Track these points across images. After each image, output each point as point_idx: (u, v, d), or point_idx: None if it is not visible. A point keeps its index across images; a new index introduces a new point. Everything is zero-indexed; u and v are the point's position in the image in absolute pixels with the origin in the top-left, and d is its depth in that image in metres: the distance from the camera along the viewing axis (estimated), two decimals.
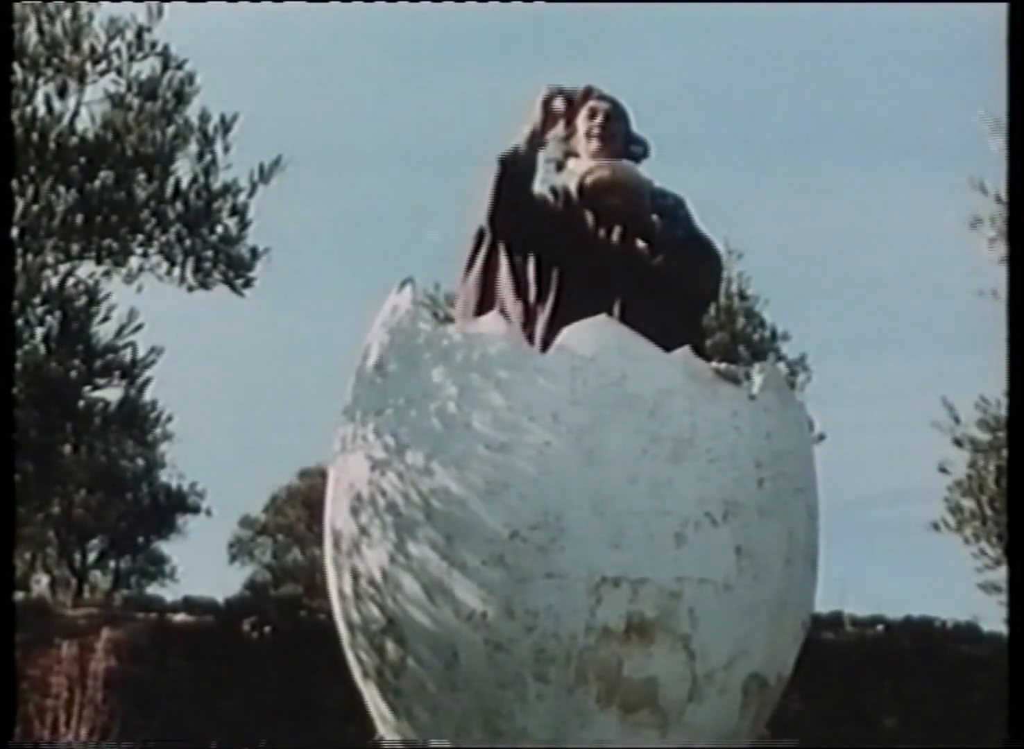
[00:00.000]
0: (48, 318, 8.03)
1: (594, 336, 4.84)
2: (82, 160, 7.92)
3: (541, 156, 5.23)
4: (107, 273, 8.12)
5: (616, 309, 4.98)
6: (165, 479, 20.97)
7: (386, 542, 4.80)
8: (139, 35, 7.95)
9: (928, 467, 13.02)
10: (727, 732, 4.86)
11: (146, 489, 20.81)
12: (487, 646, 4.68)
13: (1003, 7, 5.14)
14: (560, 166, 5.34)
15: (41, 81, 7.97)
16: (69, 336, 8.00)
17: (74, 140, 7.96)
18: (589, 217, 5.21)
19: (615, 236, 5.19)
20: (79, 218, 7.75)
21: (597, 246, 5.18)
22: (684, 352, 4.86)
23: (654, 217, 5.20)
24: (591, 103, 5.34)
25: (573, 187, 5.22)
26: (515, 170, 5.07)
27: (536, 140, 5.12)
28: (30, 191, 7.57)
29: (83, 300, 8.04)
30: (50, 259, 7.94)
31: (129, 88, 8.08)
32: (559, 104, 5.19)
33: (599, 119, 5.31)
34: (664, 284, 5.09)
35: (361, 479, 4.90)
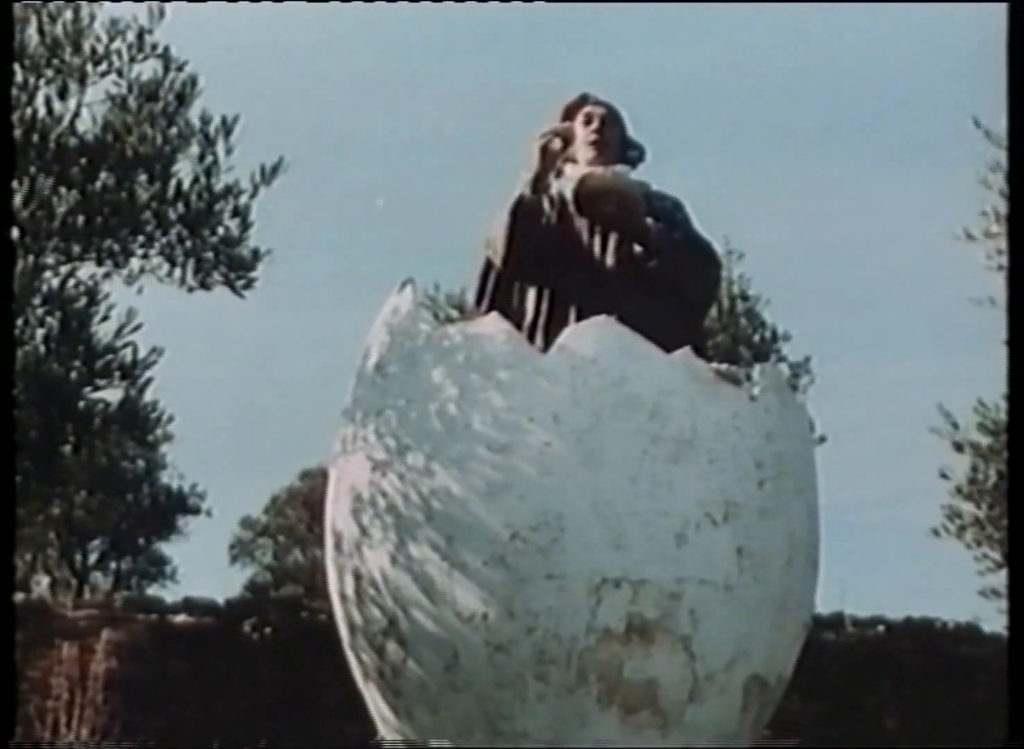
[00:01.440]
0: (48, 319, 8.02)
1: (594, 337, 4.84)
2: (83, 161, 7.92)
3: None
4: (108, 274, 8.12)
5: (616, 315, 4.99)
6: (166, 480, 20.99)
7: (387, 543, 4.80)
8: (140, 36, 7.95)
9: (929, 469, 13.03)
10: (728, 733, 4.86)
11: (147, 490, 20.82)
12: (488, 647, 4.68)
13: (1003, 7, 5.15)
14: (559, 172, 5.36)
15: (42, 82, 7.97)
16: (69, 337, 8.00)
17: (74, 141, 7.96)
18: (585, 225, 5.24)
19: (612, 243, 5.21)
20: (80, 219, 7.75)
21: (594, 254, 5.21)
22: (685, 353, 4.86)
23: (650, 221, 5.22)
24: (586, 109, 5.36)
25: (568, 195, 5.25)
26: (525, 217, 5.15)
27: (539, 185, 5.22)
28: (31, 192, 7.57)
29: (83, 301, 8.03)
30: (50, 260, 7.94)
31: (130, 89, 8.07)
32: (556, 144, 5.27)
33: (595, 125, 5.33)
34: (663, 287, 5.11)
35: (362, 480, 4.90)
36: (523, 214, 5.16)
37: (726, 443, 4.81)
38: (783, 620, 4.93)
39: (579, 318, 4.97)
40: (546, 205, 5.27)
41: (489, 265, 5.27)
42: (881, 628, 15.11)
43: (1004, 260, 10.08)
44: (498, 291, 5.25)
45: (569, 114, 5.40)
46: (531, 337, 5.07)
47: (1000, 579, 12.35)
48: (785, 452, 4.96)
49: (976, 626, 15.13)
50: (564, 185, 5.29)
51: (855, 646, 14.63)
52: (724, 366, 5.03)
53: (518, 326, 5.06)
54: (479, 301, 5.29)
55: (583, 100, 5.38)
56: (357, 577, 4.91)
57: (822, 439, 13.29)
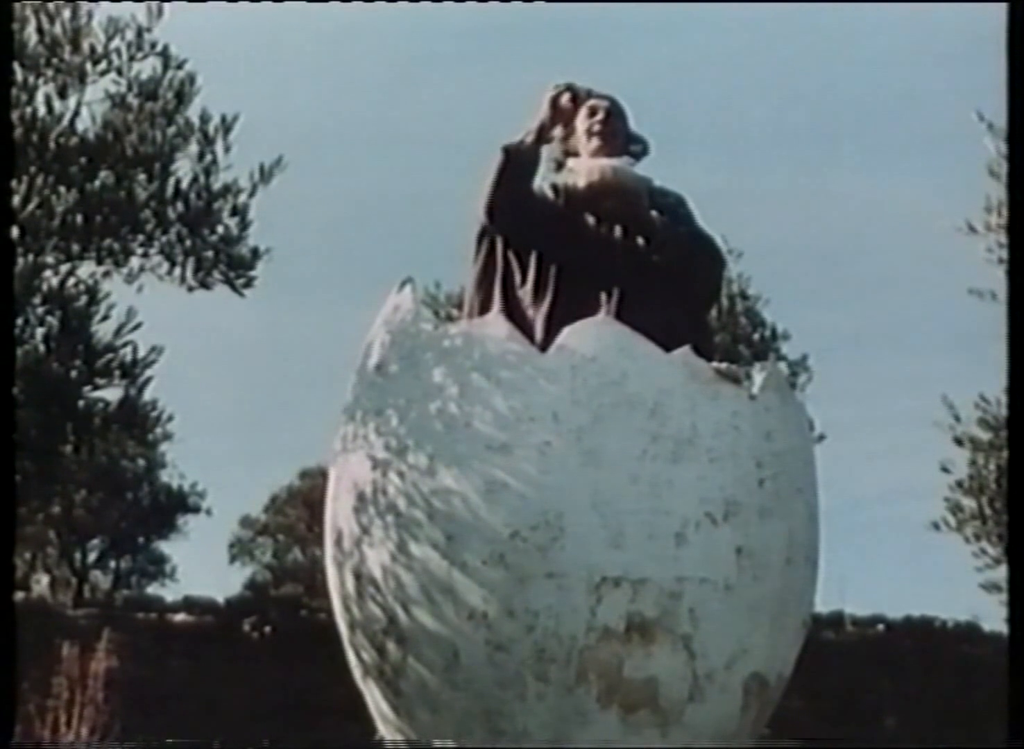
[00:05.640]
0: (48, 318, 8.02)
1: (594, 336, 4.84)
2: (82, 160, 7.92)
3: (544, 153, 5.23)
4: (107, 273, 8.12)
5: (616, 307, 4.97)
6: (165, 479, 21.02)
7: (387, 542, 4.80)
8: (139, 35, 7.96)
9: (928, 466, 13.02)
10: (728, 732, 4.86)
11: (147, 489, 20.84)
12: (488, 646, 4.68)
13: (1003, 7, 5.14)
14: (559, 165, 5.34)
15: (41, 81, 7.97)
16: (69, 336, 8.00)
17: (74, 140, 7.96)
18: (590, 218, 5.21)
19: (616, 236, 5.19)
20: (79, 218, 7.75)
21: (598, 244, 5.18)
22: (684, 352, 4.86)
23: (654, 214, 5.20)
24: (590, 101, 5.33)
25: (571, 188, 5.21)
26: (518, 162, 5.07)
27: (543, 135, 5.14)
28: (31, 191, 7.57)
29: (83, 300, 8.03)
30: (50, 259, 7.94)
31: (129, 88, 8.08)
32: (566, 101, 5.20)
33: (599, 116, 5.30)
34: (666, 282, 5.09)
35: (362, 479, 4.90)
36: (516, 156, 5.02)
37: (726, 442, 4.80)
38: (783, 619, 4.93)
39: (582, 296, 4.93)
40: (550, 194, 5.23)
41: (484, 231, 5.19)
42: (881, 627, 15.13)
43: (1005, 253, 10.07)
44: (491, 257, 5.16)
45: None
46: (529, 314, 5.03)
47: (999, 574, 12.35)
48: (785, 451, 4.95)
49: (976, 625, 15.16)
50: (567, 178, 5.26)
51: (855, 645, 14.65)
52: (724, 365, 5.02)
53: (508, 302, 5.03)
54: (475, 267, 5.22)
55: (586, 94, 5.35)
56: (357, 576, 4.91)
57: (821, 437, 13.31)
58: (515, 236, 5.14)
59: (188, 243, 8.11)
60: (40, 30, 7.93)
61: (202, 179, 8.11)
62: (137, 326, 8.02)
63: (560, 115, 5.19)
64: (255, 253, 8.20)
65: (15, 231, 7.47)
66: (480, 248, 5.19)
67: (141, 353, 8.06)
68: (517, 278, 5.13)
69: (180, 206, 8.08)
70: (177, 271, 8.12)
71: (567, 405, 4.73)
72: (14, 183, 7.31)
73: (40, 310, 7.99)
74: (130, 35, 7.96)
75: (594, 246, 5.16)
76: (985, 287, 10.48)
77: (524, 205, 5.08)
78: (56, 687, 9.20)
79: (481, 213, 5.10)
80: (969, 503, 12.63)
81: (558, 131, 5.25)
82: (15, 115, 7.60)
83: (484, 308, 5.10)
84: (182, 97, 8.08)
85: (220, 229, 8.15)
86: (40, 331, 8.03)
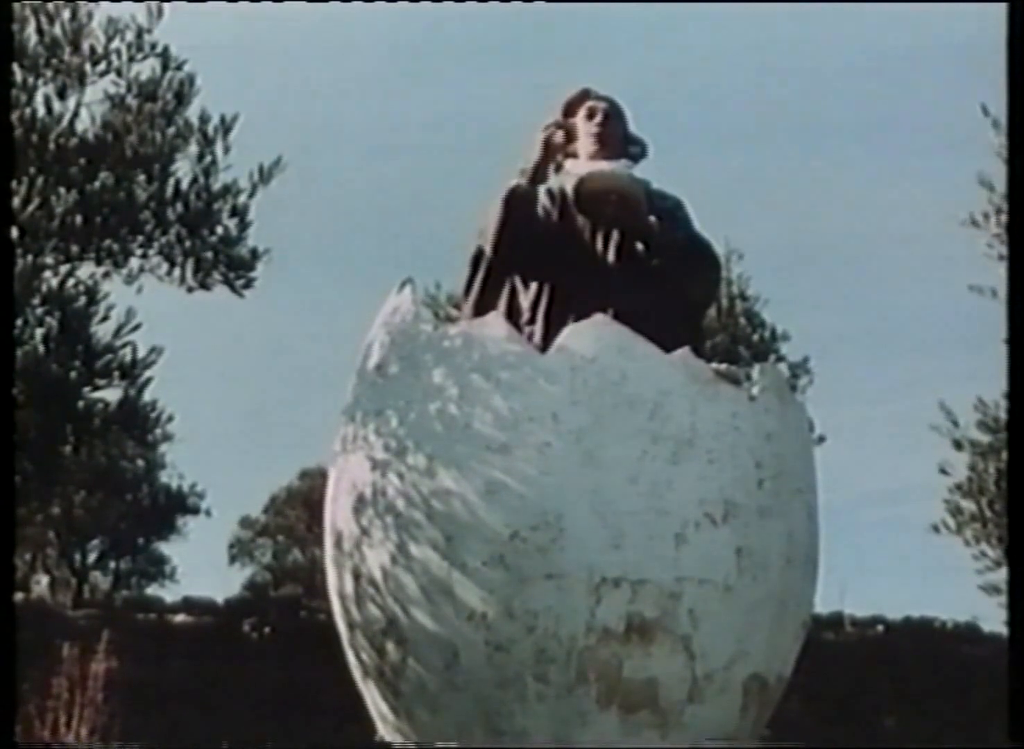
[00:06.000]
0: (48, 319, 8.03)
1: (594, 336, 4.83)
2: (82, 161, 7.93)
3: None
4: (107, 274, 8.13)
5: (614, 311, 4.97)
6: (165, 480, 21.01)
7: (387, 542, 4.80)
8: (139, 36, 7.96)
9: (928, 468, 13.03)
10: (727, 732, 4.85)
11: (146, 490, 20.83)
12: (487, 646, 4.68)
13: (1003, 7, 5.14)
14: (558, 167, 5.34)
15: (41, 82, 7.98)
16: (69, 337, 8.00)
17: (74, 141, 7.96)
18: (586, 223, 5.22)
19: (613, 241, 5.19)
20: (79, 219, 7.75)
21: (595, 251, 5.19)
22: (684, 353, 4.86)
23: (652, 219, 5.20)
24: (589, 103, 5.33)
25: (569, 193, 5.22)
26: (519, 207, 5.12)
27: (538, 176, 5.18)
28: (31, 192, 7.57)
29: (82, 301, 8.04)
30: (50, 260, 7.95)
31: (129, 89, 8.08)
32: (558, 137, 5.24)
33: (598, 119, 5.30)
34: (663, 287, 5.09)
35: (362, 479, 4.90)
36: (516, 203, 5.12)
37: (725, 443, 4.80)
38: (782, 620, 4.93)
39: (578, 313, 4.94)
40: (546, 200, 5.24)
41: (480, 254, 5.23)
42: (880, 628, 15.13)
43: (1005, 249, 10.06)
44: (488, 281, 5.22)
45: (571, 109, 5.36)
46: (528, 329, 5.05)
47: (999, 576, 12.35)
48: (784, 452, 4.95)
49: (975, 626, 15.15)
50: (565, 180, 5.26)
51: (855, 646, 14.64)
52: (723, 366, 5.02)
53: (510, 317, 5.05)
54: (467, 291, 5.27)
55: (585, 95, 5.36)
56: (357, 576, 4.91)
57: (821, 439, 13.30)
58: (521, 269, 5.18)
59: (188, 244, 8.12)
60: (40, 30, 7.94)
61: (202, 180, 8.12)
62: (136, 327, 8.02)
63: (553, 153, 5.26)
64: (255, 254, 8.21)
65: (15, 232, 7.47)
66: (476, 271, 5.23)
67: (140, 354, 8.07)
68: (519, 295, 5.17)
69: (180, 207, 8.08)
70: (177, 272, 8.13)
71: (567, 406, 4.73)
72: (14, 184, 7.31)
73: (40, 311, 7.99)
74: (130, 36, 7.97)
75: (591, 254, 5.17)
76: (985, 285, 10.49)
77: (528, 245, 5.13)
78: (56, 688, 9.19)
79: (489, 254, 5.16)
80: (969, 505, 12.62)
81: (552, 171, 5.30)
82: (15, 116, 7.60)
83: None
84: (181, 98, 8.09)
85: (220, 230, 8.16)
86: (40, 332, 8.03)
